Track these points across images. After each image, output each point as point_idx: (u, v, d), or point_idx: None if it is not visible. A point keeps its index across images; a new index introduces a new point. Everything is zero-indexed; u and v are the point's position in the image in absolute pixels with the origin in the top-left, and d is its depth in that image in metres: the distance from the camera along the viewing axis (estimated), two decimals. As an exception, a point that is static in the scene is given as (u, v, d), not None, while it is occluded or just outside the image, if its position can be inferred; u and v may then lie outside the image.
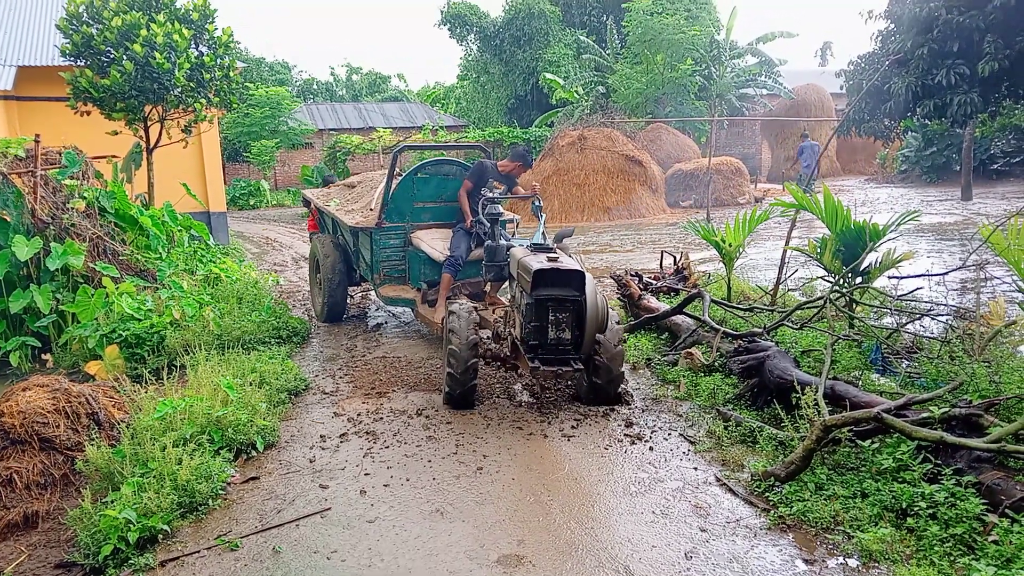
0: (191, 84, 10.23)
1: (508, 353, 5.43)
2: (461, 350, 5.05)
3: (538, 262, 4.89)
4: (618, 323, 5.22)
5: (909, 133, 23.50)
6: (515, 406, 5.37)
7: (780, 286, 7.11)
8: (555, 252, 5.19)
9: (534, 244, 5.48)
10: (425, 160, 7.70)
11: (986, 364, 4.47)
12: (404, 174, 7.63)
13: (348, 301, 8.56)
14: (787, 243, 7.06)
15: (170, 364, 6.11)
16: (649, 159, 19.76)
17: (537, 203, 6.44)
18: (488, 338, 5.85)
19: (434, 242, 7.09)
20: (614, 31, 26.66)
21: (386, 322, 8.31)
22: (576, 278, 4.81)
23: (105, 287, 6.97)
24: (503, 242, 6.04)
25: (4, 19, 15.64)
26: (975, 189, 18.26)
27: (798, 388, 4.41)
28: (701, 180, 19.81)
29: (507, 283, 6.25)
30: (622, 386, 5.40)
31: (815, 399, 4.14)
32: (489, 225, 6.18)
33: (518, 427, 4.94)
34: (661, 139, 23.04)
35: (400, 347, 7.13)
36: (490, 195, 6.60)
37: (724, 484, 4.02)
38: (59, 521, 3.86)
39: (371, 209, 7.71)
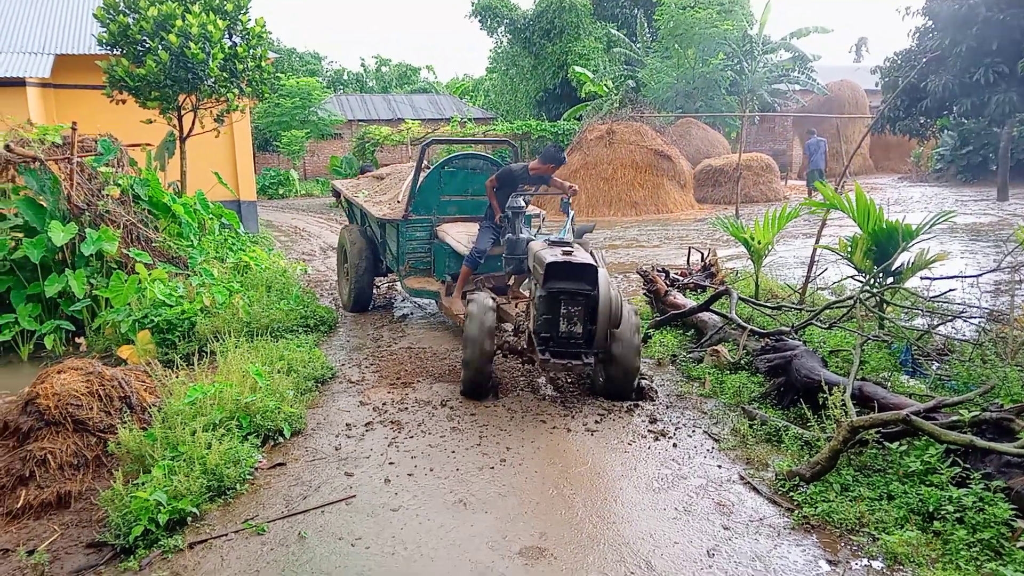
0: (224, 74, 10.35)
1: (525, 346, 5.45)
2: (473, 335, 5.09)
3: (552, 255, 4.93)
4: (636, 313, 5.22)
5: (945, 132, 23.07)
6: (539, 399, 5.39)
7: (809, 285, 7.05)
8: (571, 247, 5.19)
9: (551, 239, 5.50)
10: (453, 154, 7.76)
11: (1019, 368, 4.40)
12: (431, 167, 7.68)
13: (375, 291, 8.63)
14: (817, 241, 6.99)
15: (200, 350, 6.20)
16: (678, 154, 19.62)
17: (567, 199, 6.43)
18: (509, 332, 5.87)
19: (459, 235, 7.12)
20: (645, 25, 26.48)
21: (412, 313, 8.36)
22: (589, 272, 4.82)
23: (138, 273, 7.09)
24: (524, 236, 6.05)
25: (43, 8, 15.93)
26: (1012, 189, 17.90)
27: (825, 388, 4.37)
28: (730, 176, 19.65)
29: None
30: (645, 381, 5.38)
31: (843, 399, 4.10)
32: (512, 217, 6.19)
33: (541, 420, 4.96)
34: (691, 134, 22.87)
35: (425, 338, 7.18)
36: (522, 191, 6.62)
37: (748, 483, 4.00)
38: (91, 501, 3.94)
39: (398, 201, 7.77)
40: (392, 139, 27.70)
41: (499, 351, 5.44)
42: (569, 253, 4.96)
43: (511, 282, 7.07)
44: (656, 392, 5.42)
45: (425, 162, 8.21)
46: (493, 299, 5.44)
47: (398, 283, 9.10)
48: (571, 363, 4.87)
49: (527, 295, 6.80)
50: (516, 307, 6.20)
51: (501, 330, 6.13)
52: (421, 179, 7.43)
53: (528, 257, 5.58)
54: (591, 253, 5.37)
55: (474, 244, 6.84)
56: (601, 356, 5.10)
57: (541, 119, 27.61)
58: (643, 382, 5.47)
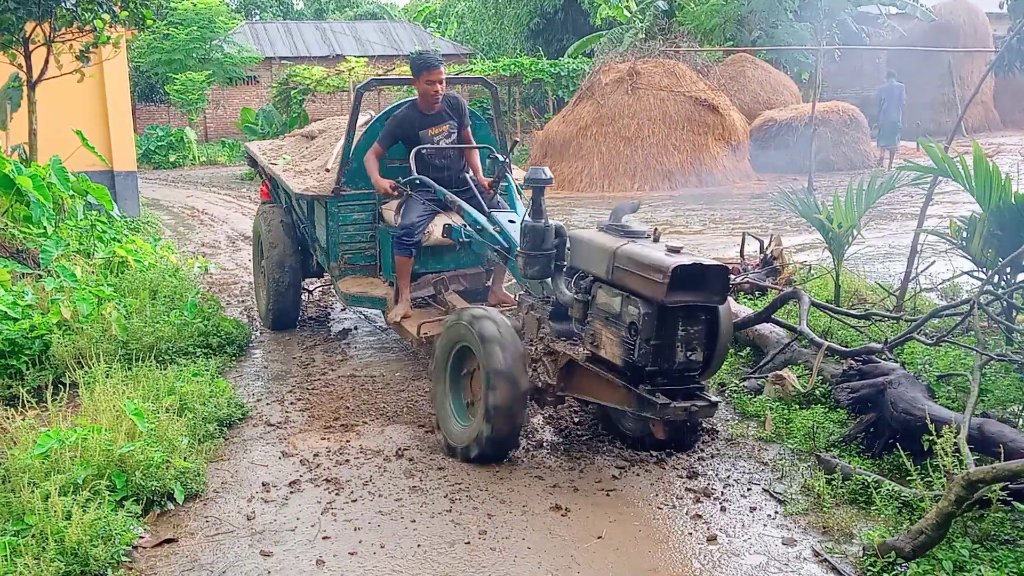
0: (90, -8, 10.31)
1: (553, 382, 5.30)
2: (508, 368, 4.93)
3: (668, 256, 4.67)
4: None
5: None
6: (533, 447, 5.39)
7: (910, 284, 7.07)
8: (646, 235, 5.06)
9: (609, 225, 5.30)
10: (404, 100, 7.55)
11: None
12: (373, 119, 7.57)
13: (304, 298, 8.60)
14: (920, 224, 7.01)
15: (57, 381, 6.16)
16: (728, 104, 19.72)
17: (502, 159, 6.40)
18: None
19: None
20: (682, -77, 26.60)
21: (355, 327, 8.35)
22: (720, 278, 4.73)
23: (-31, 274, 7.05)
24: (552, 222, 5.75)
25: None
26: None
27: (932, 428, 4.39)
28: (802, 134, 19.72)
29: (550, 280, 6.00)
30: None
31: (955, 443, 4.12)
32: (535, 195, 5.87)
33: (537, 476, 4.95)
34: (745, 76, 22.99)
35: (375, 362, 7.17)
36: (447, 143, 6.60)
37: (825, 560, 4.01)
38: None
39: (327, 170, 7.66)
40: (328, 84, 27.67)
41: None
42: (677, 251, 4.82)
43: (490, 282, 7.03)
44: (705, 434, 5.43)
45: (371, 112, 8.16)
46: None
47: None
48: (695, 405, 4.69)
49: (512, 298, 6.77)
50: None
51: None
52: (358, 137, 7.31)
53: (578, 253, 5.34)
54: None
55: (400, 220, 6.59)
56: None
57: (537, 55, 27.68)
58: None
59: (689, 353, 4.73)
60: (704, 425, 5.57)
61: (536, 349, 5.39)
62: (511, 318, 5.72)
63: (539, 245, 5.43)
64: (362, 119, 7.63)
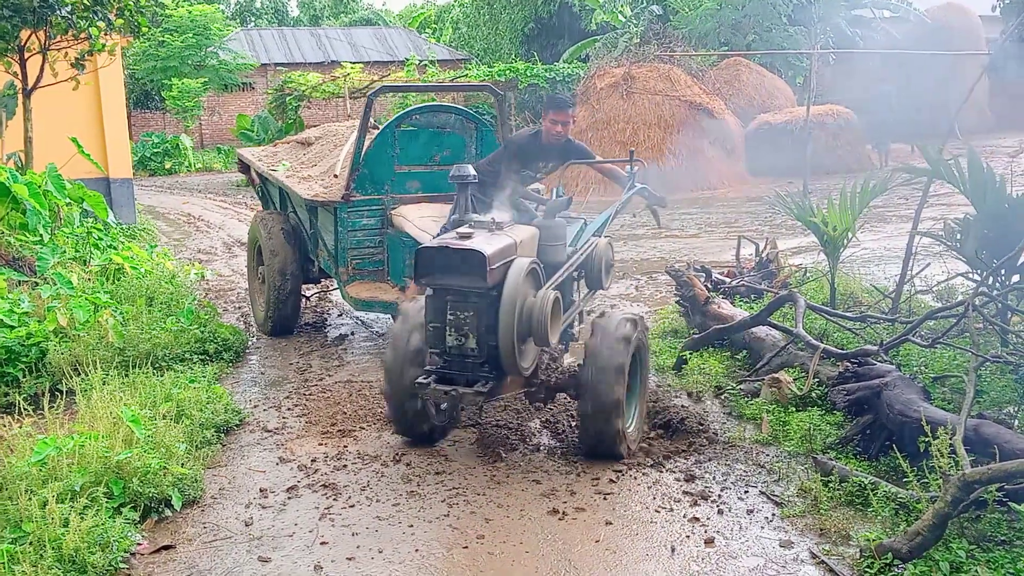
0: (85, 1, 10.31)
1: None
2: (393, 366, 5.24)
3: (428, 240, 5.01)
4: (636, 320, 5.24)
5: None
6: (530, 451, 5.40)
7: (905, 286, 7.09)
8: (486, 226, 5.20)
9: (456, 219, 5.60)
10: (412, 107, 7.68)
11: None
12: (382, 127, 7.65)
13: (302, 304, 8.61)
14: (915, 226, 7.03)
15: (53, 388, 6.16)
16: (723, 107, 19.76)
17: (632, 169, 6.47)
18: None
19: (425, 222, 7.11)
20: (675, -72, 26.65)
21: (352, 333, 8.36)
22: (475, 263, 4.79)
23: (-35, 281, 7.05)
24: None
25: None
26: None
27: (928, 429, 4.39)
28: (797, 137, 19.74)
29: None
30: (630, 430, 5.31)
31: (951, 445, 4.13)
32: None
33: (534, 480, 4.97)
34: (740, 79, 23.02)
35: (372, 368, 7.17)
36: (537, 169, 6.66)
37: (823, 562, 4.02)
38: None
39: (335, 175, 7.74)
40: (323, 90, 27.65)
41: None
42: (467, 236, 4.97)
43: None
44: (695, 434, 5.44)
45: (373, 119, 8.19)
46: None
47: (336, 291, 9.07)
48: (458, 391, 4.88)
49: None
50: None
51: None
52: (367, 143, 7.40)
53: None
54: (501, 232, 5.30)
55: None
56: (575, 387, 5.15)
57: (532, 60, 27.71)
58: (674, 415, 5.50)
59: (460, 338, 4.89)
60: (699, 428, 5.60)
61: None
62: None
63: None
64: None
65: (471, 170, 5.94)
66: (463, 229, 5.12)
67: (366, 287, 7.43)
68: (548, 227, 5.72)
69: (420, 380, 4.95)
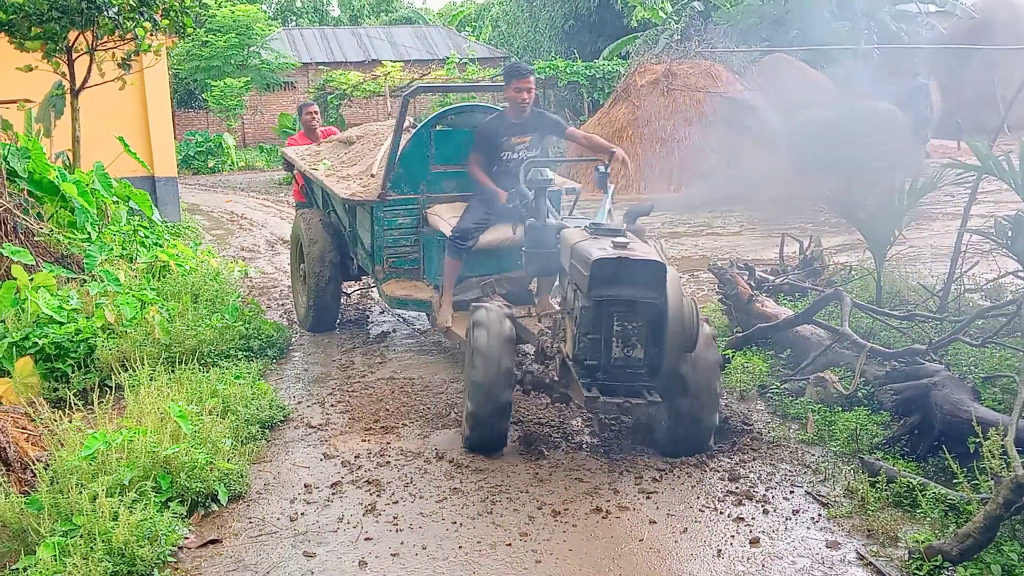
0: (131, 2, 10.43)
1: (556, 378, 5.42)
2: (487, 380, 5.04)
3: (599, 249, 4.88)
4: (708, 322, 5.21)
5: None
6: (573, 449, 5.39)
7: (954, 285, 6.99)
8: (625, 236, 5.17)
9: (595, 224, 5.46)
10: (448, 107, 7.73)
11: None
12: (418, 126, 7.69)
13: (343, 301, 8.67)
14: (964, 223, 6.93)
15: (102, 384, 6.23)
16: (765, 104, 19.55)
17: (603, 169, 6.40)
18: (530, 358, 5.84)
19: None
20: (717, -77, 26.46)
21: (394, 330, 8.39)
22: (654, 272, 4.79)
23: (15, 278, 7.15)
24: (552, 221, 5.97)
25: None
26: None
27: (978, 430, 4.34)
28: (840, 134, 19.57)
29: (558, 279, 6.23)
30: (725, 422, 5.34)
31: (1002, 445, 4.07)
32: (532, 197, 6.10)
33: (577, 479, 4.96)
34: (783, 76, 22.80)
35: (414, 364, 7.20)
36: (528, 155, 6.60)
37: (870, 563, 3.99)
38: (-46, 594, 3.98)
39: (372, 175, 7.78)
40: (365, 89, 27.85)
41: (520, 386, 5.43)
42: (623, 246, 4.92)
43: (533, 286, 7.06)
44: (739, 433, 5.41)
45: (410, 119, 8.23)
46: (509, 315, 5.44)
47: (374, 289, 9.12)
48: (629, 402, 4.82)
49: (559, 307, 6.80)
50: (540, 322, 6.13)
51: (520, 355, 6.11)
52: (404, 143, 7.44)
53: (562, 252, 5.55)
54: (653, 246, 5.34)
55: (457, 224, 6.79)
56: (666, 391, 5.06)
57: (572, 58, 27.66)
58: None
59: (627, 349, 4.81)
60: (744, 427, 5.57)
61: (553, 348, 5.52)
62: (538, 319, 5.97)
63: (539, 244, 5.83)
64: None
65: (549, 173, 6.04)
66: (619, 239, 5.05)
67: (401, 285, 7.48)
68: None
69: (589, 394, 4.83)
